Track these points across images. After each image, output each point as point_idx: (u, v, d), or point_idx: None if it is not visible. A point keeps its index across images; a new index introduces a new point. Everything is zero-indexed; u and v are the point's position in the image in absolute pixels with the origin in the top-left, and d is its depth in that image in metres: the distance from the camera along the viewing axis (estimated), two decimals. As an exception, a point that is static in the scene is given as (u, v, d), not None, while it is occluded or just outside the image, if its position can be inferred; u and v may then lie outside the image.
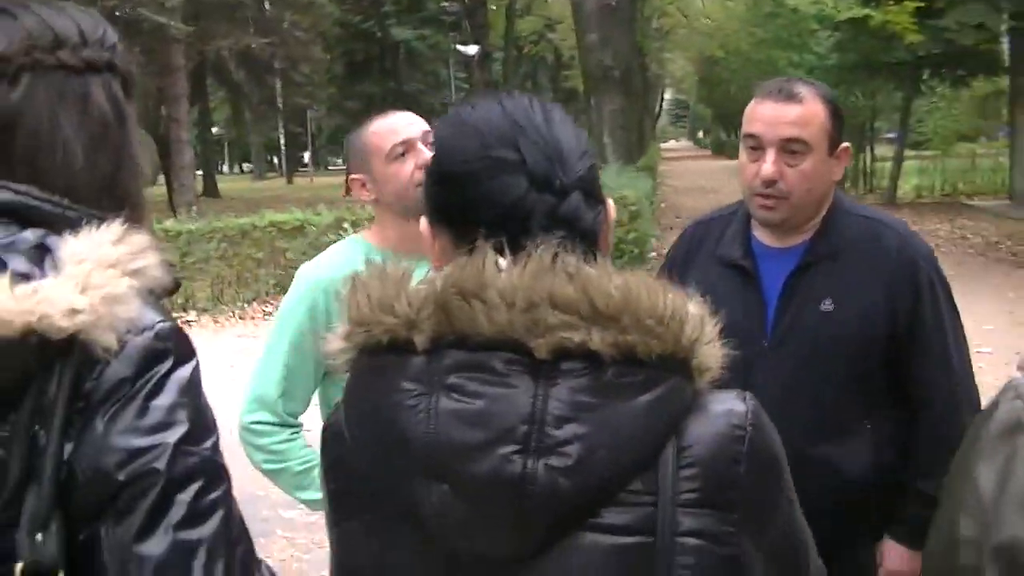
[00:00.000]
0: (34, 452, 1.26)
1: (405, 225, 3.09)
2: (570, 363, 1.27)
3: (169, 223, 15.74)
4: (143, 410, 1.30)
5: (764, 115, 2.71)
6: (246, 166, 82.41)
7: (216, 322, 14.58)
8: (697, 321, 1.32)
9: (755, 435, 1.33)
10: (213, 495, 1.33)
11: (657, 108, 76.60)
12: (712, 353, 1.33)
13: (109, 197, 1.44)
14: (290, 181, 60.07)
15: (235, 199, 38.56)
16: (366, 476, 1.36)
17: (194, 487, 1.31)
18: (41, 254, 1.32)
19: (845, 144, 2.80)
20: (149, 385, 1.31)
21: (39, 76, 1.40)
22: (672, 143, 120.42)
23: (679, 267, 2.91)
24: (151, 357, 1.33)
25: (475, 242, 1.32)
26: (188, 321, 14.64)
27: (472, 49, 28.70)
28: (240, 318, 14.70)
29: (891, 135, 40.51)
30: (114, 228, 1.35)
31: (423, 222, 1.46)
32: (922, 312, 2.70)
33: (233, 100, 43.36)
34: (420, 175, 3.00)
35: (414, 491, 1.30)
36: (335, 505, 1.43)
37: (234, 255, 15.25)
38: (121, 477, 1.27)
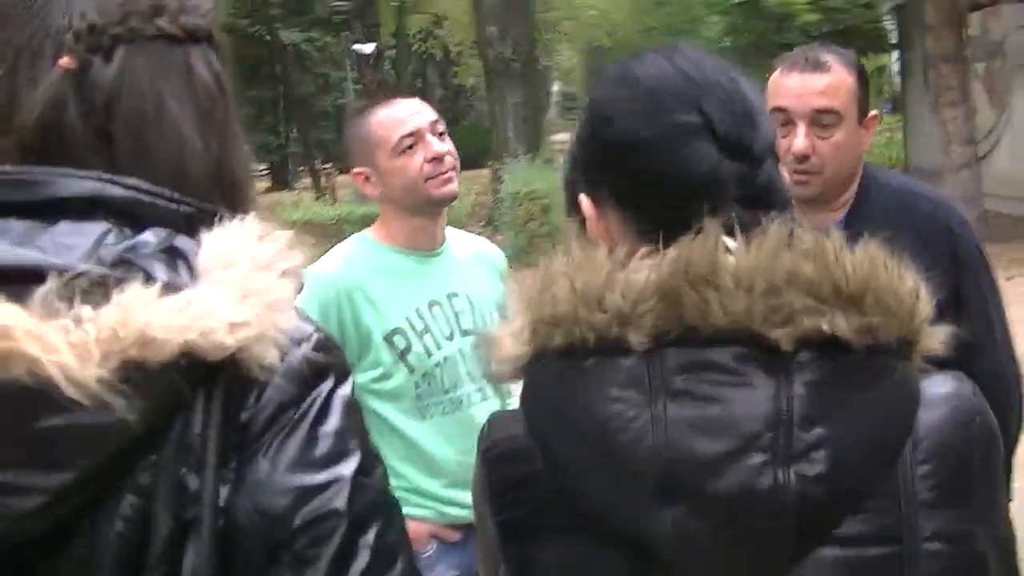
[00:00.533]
0: (184, 499, 1.04)
1: (413, 221, 2.96)
2: (807, 353, 1.12)
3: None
4: (311, 439, 1.09)
5: (792, 87, 2.64)
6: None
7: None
8: (927, 297, 1.19)
9: (984, 418, 1.20)
10: (394, 535, 1.13)
11: (547, 101, 76.92)
12: (937, 334, 1.20)
13: (219, 184, 1.23)
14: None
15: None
16: (569, 500, 1.17)
17: (375, 527, 1.10)
18: (172, 258, 1.09)
19: (873, 112, 2.73)
20: (315, 409, 1.10)
21: (137, 47, 1.19)
22: (562, 136, 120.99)
23: None
24: (313, 374, 1.12)
25: (658, 221, 1.17)
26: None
27: (369, 48, 28.44)
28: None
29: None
30: (253, 223, 1.14)
31: (584, 200, 1.28)
32: (963, 279, 2.64)
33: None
34: (429, 168, 2.91)
35: (639, 514, 1.12)
36: (514, 534, 1.24)
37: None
38: (296, 522, 1.06)
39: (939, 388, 1.21)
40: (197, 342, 1.01)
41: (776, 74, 2.69)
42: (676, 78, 1.24)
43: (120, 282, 1.02)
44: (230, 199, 1.22)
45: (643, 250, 1.18)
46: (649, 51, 1.30)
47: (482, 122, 62.48)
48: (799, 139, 2.60)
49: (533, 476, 1.20)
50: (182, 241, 1.11)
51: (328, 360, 1.13)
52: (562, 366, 1.17)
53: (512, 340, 1.20)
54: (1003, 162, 17.39)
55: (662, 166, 1.20)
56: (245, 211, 1.19)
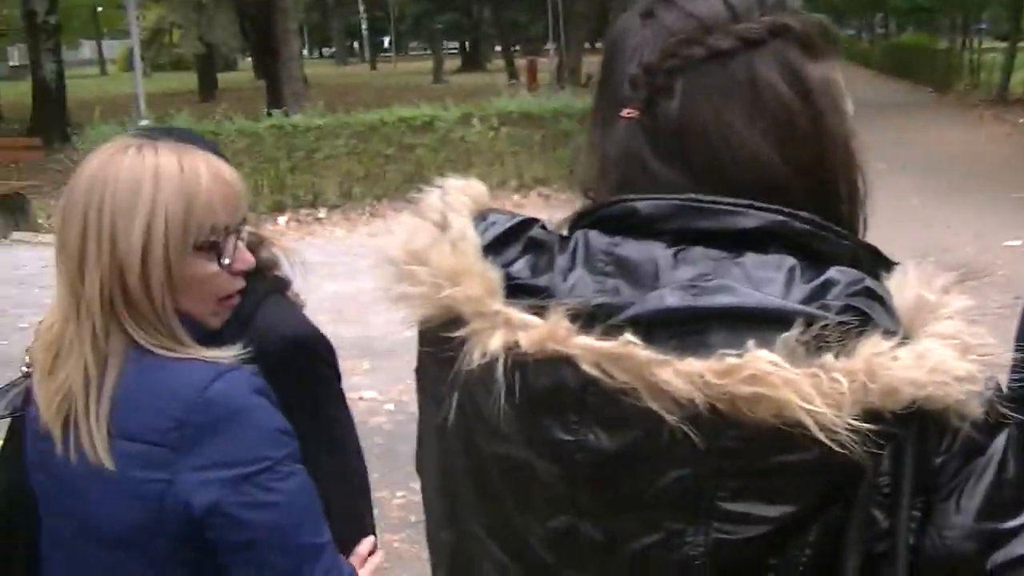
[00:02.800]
0: (874, 535, 1.09)
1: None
2: None
3: (297, 118, 15.70)
4: (998, 486, 1.10)
5: None
6: (325, 51, 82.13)
7: (347, 219, 14.68)
8: None
9: None
10: None
11: None
12: None
13: (822, 194, 1.17)
14: (374, 67, 59.96)
15: (321, 86, 38.54)
16: None
17: None
18: (882, 304, 1.09)
19: None
20: (997, 456, 1.11)
21: (694, 73, 1.15)
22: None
23: None
24: (996, 424, 1.12)
25: None
26: (319, 218, 14.78)
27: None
28: (371, 215, 14.77)
29: (982, 26, 39.43)
30: (926, 265, 1.13)
31: None
32: None
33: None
34: None
35: None
36: None
37: (363, 151, 15.24)
38: (987, 566, 1.08)
39: None
40: (932, 395, 1.05)
41: None
42: None
43: (848, 328, 1.04)
44: (838, 207, 1.19)
45: None
46: None
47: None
48: None
49: None
50: (871, 283, 1.10)
51: (1007, 413, 1.13)
52: None
53: None
54: None
55: None
56: (854, 225, 1.20)
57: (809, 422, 1.00)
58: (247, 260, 1.85)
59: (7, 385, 1.98)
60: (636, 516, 1.06)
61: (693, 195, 1.12)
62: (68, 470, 1.75)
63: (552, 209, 14.18)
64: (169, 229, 1.73)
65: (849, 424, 1.00)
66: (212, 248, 1.78)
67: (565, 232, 1.18)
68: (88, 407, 1.72)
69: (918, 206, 12.61)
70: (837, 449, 1.00)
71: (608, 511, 1.07)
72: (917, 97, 31.59)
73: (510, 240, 1.15)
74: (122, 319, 1.74)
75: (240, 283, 1.85)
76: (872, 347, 1.03)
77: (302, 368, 1.97)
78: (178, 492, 1.69)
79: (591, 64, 38.64)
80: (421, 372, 1.25)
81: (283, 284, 2.05)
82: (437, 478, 1.24)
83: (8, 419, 1.97)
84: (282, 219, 14.73)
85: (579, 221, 1.17)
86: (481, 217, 1.18)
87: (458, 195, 1.20)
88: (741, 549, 1.06)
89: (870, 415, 1.02)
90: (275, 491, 1.71)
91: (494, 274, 1.10)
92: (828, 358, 1.01)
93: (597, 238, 1.11)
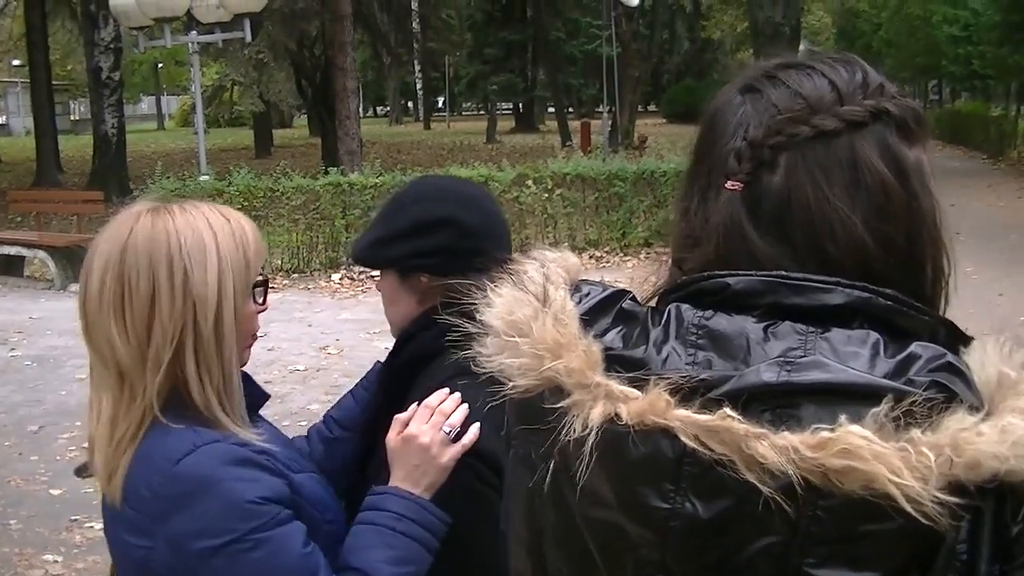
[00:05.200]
0: None
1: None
2: None
3: (354, 177, 15.89)
4: None
5: None
6: (379, 109, 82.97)
7: (405, 277, 14.78)
8: None
9: None
10: None
11: (794, 60, 75.05)
12: None
13: (909, 271, 1.21)
14: (427, 126, 60.53)
15: (375, 143, 38.95)
16: None
17: None
18: (964, 379, 1.12)
19: None
20: None
21: (798, 151, 1.19)
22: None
23: None
24: None
25: None
26: (372, 276, 14.83)
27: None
28: (425, 274, 14.85)
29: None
30: (1003, 341, 1.17)
31: None
32: None
33: (372, 43, 43.52)
34: None
35: None
36: None
37: (419, 210, 15.32)
38: None
39: None
40: (1014, 468, 1.07)
41: None
42: None
43: (934, 403, 1.07)
44: (925, 289, 1.22)
45: None
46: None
47: (727, 76, 61.58)
48: None
49: None
50: (953, 358, 1.13)
51: None
52: None
53: None
54: None
55: None
56: (935, 301, 1.23)
57: (897, 494, 1.03)
58: (267, 302, 1.99)
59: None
60: None
61: (783, 272, 1.16)
62: (109, 535, 1.90)
63: (603, 271, 14.23)
64: (238, 273, 1.86)
65: (935, 496, 1.03)
66: (257, 287, 1.92)
67: (653, 304, 1.23)
68: (116, 469, 1.82)
69: (971, 272, 12.53)
70: (923, 520, 1.03)
71: (698, 575, 1.10)
72: (971, 164, 31.41)
73: (602, 311, 1.19)
74: (183, 370, 1.83)
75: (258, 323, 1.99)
76: (957, 423, 1.06)
77: None
78: (159, 558, 1.78)
79: (643, 127, 39.00)
80: (511, 436, 1.28)
81: None
82: (526, 537, 1.28)
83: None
84: (336, 276, 14.86)
85: (670, 295, 1.21)
86: (575, 288, 1.23)
87: (555, 267, 1.25)
88: None
89: (954, 487, 1.05)
90: (243, 562, 1.77)
91: (596, 347, 1.14)
92: (916, 433, 1.04)
93: (688, 311, 1.15)
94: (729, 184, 1.22)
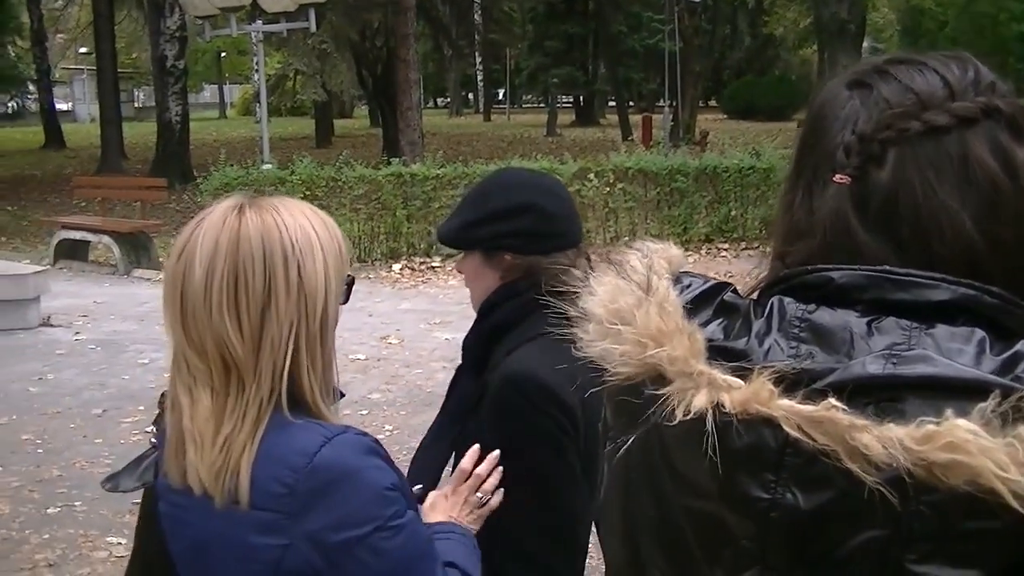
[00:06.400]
0: None
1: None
2: None
3: (416, 167, 15.95)
4: None
5: None
6: (439, 100, 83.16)
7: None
8: None
9: None
10: None
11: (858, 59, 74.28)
12: None
13: (1015, 271, 1.18)
14: (488, 118, 60.57)
15: (435, 134, 39.01)
16: None
17: None
18: None
19: None
20: None
21: (907, 147, 1.18)
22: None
23: None
24: None
25: None
26: (433, 267, 14.94)
27: (700, -6, 28.26)
28: (485, 265, 14.87)
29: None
30: None
31: None
32: None
33: (434, 35, 43.66)
34: None
35: None
36: None
37: (480, 202, 15.36)
38: None
39: None
40: None
41: None
42: None
43: None
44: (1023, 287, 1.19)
45: None
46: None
47: (789, 73, 61.43)
48: None
49: None
50: None
51: None
52: None
53: None
54: None
55: None
56: None
57: (1003, 490, 1.01)
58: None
59: (137, 458, 2.05)
60: (824, 574, 1.09)
61: (888, 267, 1.15)
62: (202, 536, 1.83)
63: (664, 266, 14.14)
64: (336, 269, 1.88)
65: None
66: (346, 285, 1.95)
67: (755, 297, 1.23)
68: (240, 471, 1.77)
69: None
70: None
71: (797, 568, 1.10)
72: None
73: (703, 303, 1.20)
74: (297, 365, 1.83)
75: None
76: None
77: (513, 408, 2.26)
78: (295, 557, 1.75)
79: (704, 123, 38.80)
80: (607, 428, 1.29)
81: None
82: (620, 527, 1.28)
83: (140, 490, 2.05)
84: (396, 266, 14.94)
85: (772, 288, 1.21)
86: (676, 280, 1.23)
87: (658, 258, 1.26)
88: None
89: None
90: (385, 550, 1.78)
91: (699, 336, 1.14)
92: (1022, 429, 1.03)
93: (791, 304, 1.15)
94: (837, 178, 1.21)
